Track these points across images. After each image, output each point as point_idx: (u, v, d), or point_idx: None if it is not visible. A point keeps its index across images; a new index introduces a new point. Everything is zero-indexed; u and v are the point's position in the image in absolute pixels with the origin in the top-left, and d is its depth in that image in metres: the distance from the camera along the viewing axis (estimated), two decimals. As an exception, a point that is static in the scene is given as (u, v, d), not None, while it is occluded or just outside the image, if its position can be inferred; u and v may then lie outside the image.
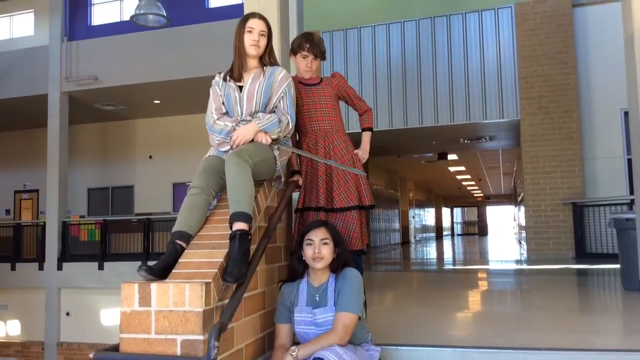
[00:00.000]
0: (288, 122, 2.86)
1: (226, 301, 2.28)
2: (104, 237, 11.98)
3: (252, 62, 2.93)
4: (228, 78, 2.92)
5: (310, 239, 2.55)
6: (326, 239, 2.55)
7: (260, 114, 2.85)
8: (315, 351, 2.28)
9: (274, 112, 2.88)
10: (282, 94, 2.89)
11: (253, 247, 2.51)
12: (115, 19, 13.21)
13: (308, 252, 2.54)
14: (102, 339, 10.07)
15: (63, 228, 12.03)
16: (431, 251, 16.68)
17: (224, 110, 2.89)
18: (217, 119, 2.85)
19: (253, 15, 2.92)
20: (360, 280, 2.57)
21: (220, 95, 2.91)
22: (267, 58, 2.95)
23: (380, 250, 16.25)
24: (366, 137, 3.33)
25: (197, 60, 10.69)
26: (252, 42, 2.87)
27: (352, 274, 2.54)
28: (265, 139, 2.76)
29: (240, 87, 2.89)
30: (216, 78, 2.96)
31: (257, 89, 2.86)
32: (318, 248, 2.52)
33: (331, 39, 10.94)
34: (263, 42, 2.90)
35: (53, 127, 12.06)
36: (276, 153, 2.83)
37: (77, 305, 11.85)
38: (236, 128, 2.78)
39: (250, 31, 2.87)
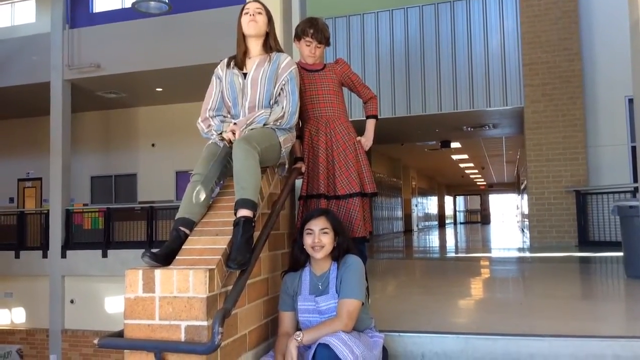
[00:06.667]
0: (282, 108, 2.79)
1: (230, 287, 2.28)
2: (107, 225, 12.01)
3: (255, 47, 2.91)
4: (232, 65, 2.90)
5: (310, 229, 2.55)
6: (326, 228, 2.54)
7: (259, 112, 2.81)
8: (320, 337, 2.28)
9: (277, 101, 2.85)
10: (284, 81, 2.85)
11: (256, 233, 2.51)
12: (117, 6, 13.13)
13: (308, 241, 2.54)
14: (106, 326, 10.09)
15: (66, 216, 12.07)
16: (434, 239, 16.70)
17: (215, 109, 2.87)
18: (201, 120, 2.86)
19: (249, 1, 2.94)
20: (361, 267, 2.56)
21: (218, 91, 2.89)
22: (271, 42, 2.92)
23: (383, 238, 16.26)
24: (370, 124, 3.30)
25: (199, 47, 10.64)
26: (250, 19, 2.86)
27: (353, 261, 2.53)
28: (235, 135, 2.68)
29: (245, 75, 2.87)
30: (218, 68, 2.94)
31: (261, 75, 2.83)
32: (318, 238, 2.52)
33: (334, 26, 10.85)
34: (260, 18, 2.87)
35: (55, 115, 12.05)
36: (281, 139, 2.82)
37: (81, 292, 11.91)
38: (224, 129, 2.76)
39: (246, 13, 2.88)
